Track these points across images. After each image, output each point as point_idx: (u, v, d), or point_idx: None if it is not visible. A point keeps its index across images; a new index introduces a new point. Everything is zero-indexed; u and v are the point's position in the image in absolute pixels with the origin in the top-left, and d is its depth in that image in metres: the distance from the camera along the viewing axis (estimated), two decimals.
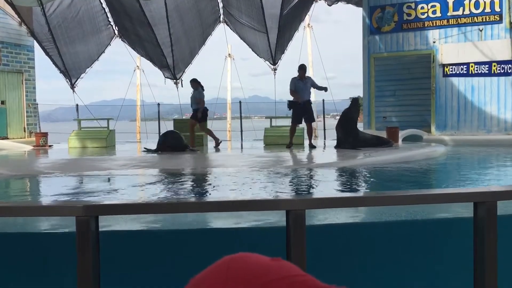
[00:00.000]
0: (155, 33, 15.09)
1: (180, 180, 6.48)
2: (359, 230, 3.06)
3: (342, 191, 5.23)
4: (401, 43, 14.47)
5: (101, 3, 15.05)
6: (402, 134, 12.44)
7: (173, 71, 17.12)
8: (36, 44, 16.73)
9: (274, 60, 16.50)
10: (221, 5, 15.66)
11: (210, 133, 12.11)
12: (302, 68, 10.89)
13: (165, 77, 17.49)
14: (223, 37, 17.24)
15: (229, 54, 19.43)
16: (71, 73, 16.29)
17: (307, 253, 2.31)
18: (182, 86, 17.85)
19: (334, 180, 6.47)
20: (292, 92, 10.74)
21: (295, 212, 2.32)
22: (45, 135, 13.63)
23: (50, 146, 13.35)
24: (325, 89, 11.28)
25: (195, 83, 11.78)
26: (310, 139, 11.11)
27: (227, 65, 19.25)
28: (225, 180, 6.48)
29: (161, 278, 3.01)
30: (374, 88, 15.14)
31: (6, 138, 17.16)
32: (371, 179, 6.90)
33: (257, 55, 16.76)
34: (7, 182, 7.02)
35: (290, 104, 10.79)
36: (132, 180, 7.16)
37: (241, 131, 18.05)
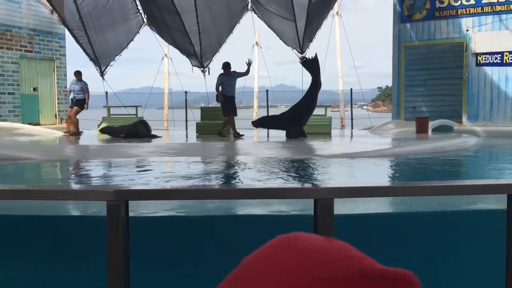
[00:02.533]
0: (183, 21, 15.12)
1: (209, 167, 6.53)
2: (388, 221, 3.03)
3: (371, 181, 5.17)
4: (432, 31, 14.14)
5: None
6: (432, 124, 12.22)
7: (200, 60, 17.16)
8: (67, 32, 17.01)
9: (302, 48, 16.34)
10: None
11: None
12: (228, 66, 11.61)
13: (193, 65, 17.55)
14: (249, 25, 17.17)
15: (256, 43, 19.37)
16: (100, 60, 16.51)
17: None
18: (209, 74, 17.90)
19: (362, 170, 6.40)
20: (217, 89, 11.46)
21: (323, 201, 2.30)
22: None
23: (81, 132, 13.62)
24: (248, 67, 11.77)
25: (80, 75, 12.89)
26: (233, 128, 11.64)
27: (254, 53, 19.21)
28: (252, 168, 6.50)
29: (190, 264, 3.05)
30: (403, 77, 14.87)
31: (38, 124, 17.60)
32: (400, 169, 6.81)
33: (285, 43, 16.62)
34: (40, 166, 7.21)
35: (225, 99, 11.43)
36: (160, 167, 7.25)
37: None
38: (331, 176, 5.74)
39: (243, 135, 11.46)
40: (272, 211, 3.29)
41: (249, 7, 16.15)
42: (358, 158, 7.21)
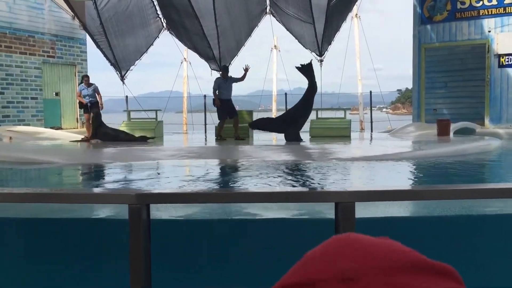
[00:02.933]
0: (202, 25, 15.23)
1: (228, 171, 6.55)
2: (410, 225, 2.99)
3: (392, 184, 5.11)
4: (454, 33, 13.95)
5: None
6: (453, 127, 12.04)
7: (219, 63, 17.23)
8: (88, 37, 17.28)
9: (320, 51, 16.30)
10: None
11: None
12: (225, 70, 12.05)
13: (211, 69, 17.64)
14: (268, 28, 17.19)
15: (275, 46, 19.37)
16: (121, 65, 16.72)
17: None
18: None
19: (383, 173, 6.34)
20: (215, 93, 11.72)
21: (344, 204, 2.29)
22: None
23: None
24: (245, 73, 11.94)
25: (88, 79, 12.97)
26: (236, 131, 11.85)
27: (272, 56, 19.21)
28: (271, 171, 6.49)
29: (211, 267, 3.06)
30: (424, 79, 14.70)
31: (60, 128, 17.89)
32: (422, 173, 6.72)
33: (303, 46, 16.60)
34: (62, 170, 7.31)
35: (217, 102, 11.73)
36: (180, 170, 7.30)
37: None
38: (352, 179, 5.69)
39: (243, 139, 11.77)
40: (291, 214, 3.28)
41: (267, 10, 16.18)
42: (378, 161, 7.14)
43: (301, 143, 10.57)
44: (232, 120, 11.94)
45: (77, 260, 3.45)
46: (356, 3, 16.09)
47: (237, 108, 12.99)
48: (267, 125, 11.70)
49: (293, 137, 10.79)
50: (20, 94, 17.13)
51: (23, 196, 2.79)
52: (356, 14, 17.21)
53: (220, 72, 12.17)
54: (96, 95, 12.81)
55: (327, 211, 3.12)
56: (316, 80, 11.41)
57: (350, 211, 2.29)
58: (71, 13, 16.82)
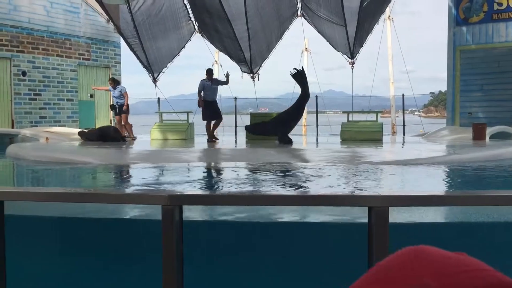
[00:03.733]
0: (233, 28, 15.31)
1: (258, 174, 6.55)
2: (446, 230, 2.92)
3: (426, 189, 5.01)
4: (490, 35, 13.59)
5: (183, 0, 15.51)
6: (490, 131, 11.72)
7: (250, 66, 17.29)
8: (122, 40, 17.61)
9: (352, 53, 16.15)
10: None
11: None
12: (209, 73, 12.32)
13: (242, 72, 17.71)
14: (298, 31, 17.16)
15: (305, 48, 19.31)
16: (153, 67, 16.96)
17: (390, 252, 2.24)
18: (258, 80, 18.02)
19: (417, 178, 6.22)
20: (199, 94, 12.02)
21: (377, 209, 2.25)
22: (130, 126, 14.32)
23: (134, 137, 14.02)
24: (227, 78, 12.33)
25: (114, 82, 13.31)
26: (213, 131, 12.30)
27: (303, 59, 19.14)
28: (303, 174, 6.46)
29: (242, 268, 3.06)
30: (459, 82, 14.36)
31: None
32: (458, 178, 6.56)
33: (335, 49, 16.48)
34: (96, 170, 7.46)
35: (205, 104, 12.00)
36: (211, 172, 7.34)
37: (317, 125, 17.91)
38: (385, 183, 5.61)
39: (218, 140, 12.16)
40: (323, 218, 3.26)
41: (298, 13, 16.15)
42: (412, 165, 7.01)
43: (334, 147, 10.50)
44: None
45: (110, 259, 3.52)
46: (389, 5, 15.89)
47: (266, 110, 13.02)
48: (261, 128, 11.95)
49: (285, 140, 11.12)
50: (57, 96, 17.61)
51: (59, 196, 2.86)
52: (389, 16, 16.98)
53: (206, 74, 12.33)
54: (124, 97, 13.05)
55: (359, 215, 3.09)
56: (308, 87, 11.79)
57: (384, 216, 2.25)
58: (106, 16, 17.19)
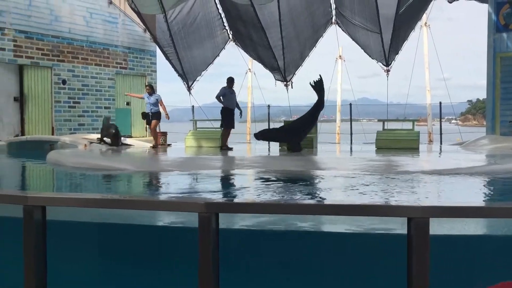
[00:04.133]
0: (267, 37, 15.38)
1: (293, 182, 6.51)
2: (489, 243, 2.82)
3: (468, 200, 4.86)
4: None
5: (218, 9, 15.69)
6: None
7: (283, 74, 17.31)
8: (158, 49, 17.96)
9: (387, 61, 15.95)
10: (333, 6, 15.50)
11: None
12: (231, 81, 12.36)
13: (276, 80, 17.75)
14: (332, 38, 17.06)
15: (339, 56, 19.18)
16: (188, 76, 17.21)
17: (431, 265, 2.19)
18: (292, 88, 18.01)
19: (457, 188, 6.03)
20: (218, 98, 12.09)
21: (417, 220, 2.20)
22: (165, 134, 14.55)
23: (169, 144, 14.22)
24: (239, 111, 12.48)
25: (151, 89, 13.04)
26: (224, 141, 12.40)
27: (337, 67, 19.01)
28: (337, 183, 6.39)
29: (277, 277, 3.04)
30: (499, 89, 13.94)
31: (130, 136, 18.65)
32: (500, 189, 6.33)
33: (370, 56, 16.32)
34: (133, 177, 7.59)
35: (225, 111, 12.12)
36: (245, 180, 7.35)
37: (351, 134, 17.72)
38: (423, 194, 5.48)
39: (232, 148, 12.13)
40: (359, 229, 3.20)
41: (333, 20, 16.07)
42: (451, 175, 6.83)
43: (367, 156, 10.36)
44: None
45: (146, 266, 3.56)
46: (426, 11, 15.63)
47: (295, 117, 13.05)
48: (272, 135, 11.96)
49: (297, 148, 11.13)
50: (95, 103, 18.07)
51: (97, 202, 2.91)
52: (426, 23, 16.69)
53: (227, 83, 12.36)
54: (159, 105, 13.03)
55: (396, 226, 3.03)
56: (324, 96, 11.81)
57: (424, 228, 2.20)
58: (143, 26, 17.57)
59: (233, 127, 12.45)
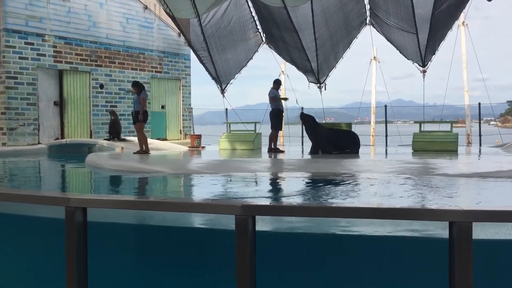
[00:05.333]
0: (300, 38, 15.32)
1: (329, 184, 6.45)
2: None
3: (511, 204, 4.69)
4: None
5: (251, 12, 15.74)
6: None
7: (317, 75, 17.21)
8: (192, 53, 18.17)
9: (424, 61, 15.64)
10: (367, 7, 15.31)
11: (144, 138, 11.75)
12: (277, 82, 12.32)
13: (309, 82, 17.66)
14: (365, 39, 16.86)
15: (374, 57, 18.93)
16: (221, 79, 17.32)
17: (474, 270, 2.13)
18: (325, 90, 17.89)
19: (500, 191, 5.83)
20: (278, 98, 12.04)
21: (460, 224, 2.15)
22: (199, 137, 14.70)
23: (203, 147, 14.36)
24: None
25: (137, 87, 11.72)
26: (275, 144, 12.27)
27: (371, 68, 18.77)
28: (374, 186, 6.29)
29: (313, 280, 3.02)
30: None
31: (165, 139, 18.93)
32: None
33: (405, 57, 16.03)
34: (168, 179, 7.69)
35: (278, 113, 12.03)
36: (280, 182, 7.34)
37: (386, 136, 17.46)
38: (464, 197, 5.32)
39: (283, 151, 12.09)
40: (399, 232, 3.14)
41: (367, 21, 15.88)
42: (493, 178, 6.61)
43: (403, 158, 10.17)
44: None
45: (183, 267, 3.59)
46: (463, 11, 15.24)
47: (332, 120, 12.94)
48: (309, 125, 11.93)
49: (314, 151, 11.33)
50: (131, 107, 18.39)
51: (135, 204, 2.96)
52: (463, 22, 16.28)
53: (273, 84, 12.30)
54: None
55: (437, 230, 2.95)
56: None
57: (467, 232, 2.14)
58: (177, 30, 17.82)
59: (281, 129, 12.51)
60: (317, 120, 12.40)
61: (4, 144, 15.45)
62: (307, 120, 12.01)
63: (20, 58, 15.75)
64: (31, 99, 16.02)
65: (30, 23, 15.92)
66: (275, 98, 12.02)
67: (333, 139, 11.52)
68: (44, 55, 16.32)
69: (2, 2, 15.40)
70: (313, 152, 11.43)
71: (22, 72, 15.81)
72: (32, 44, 16.02)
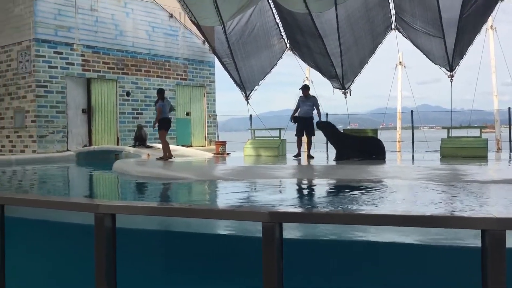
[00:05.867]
0: (325, 44, 15.27)
1: (356, 191, 6.39)
2: None
3: None
4: None
5: (275, 18, 15.78)
6: None
7: (341, 81, 17.10)
8: (216, 60, 18.30)
9: (451, 66, 15.38)
10: (393, 11, 15.17)
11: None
12: (306, 88, 12.42)
13: (334, 87, 17.56)
14: (389, 44, 16.69)
15: (399, 62, 18.72)
16: (246, 85, 17.37)
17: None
18: (350, 95, 17.76)
19: None
20: (296, 109, 12.23)
21: (492, 232, 2.09)
22: (224, 143, 14.75)
23: (228, 153, 14.41)
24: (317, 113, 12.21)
25: (159, 94, 11.97)
26: (308, 150, 12.34)
27: (396, 73, 18.56)
28: (402, 192, 6.20)
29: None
30: None
31: (190, 146, 19.07)
32: None
33: (432, 61, 15.79)
34: (194, 186, 7.74)
35: (294, 119, 12.26)
36: (306, 189, 7.30)
37: (413, 141, 17.23)
38: (496, 204, 5.19)
39: (313, 157, 12.04)
40: (425, 240, 3.08)
41: (393, 26, 15.72)
42: None
43: (431, 164, 10.01)
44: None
45: (209, 273, 3.60)
46: (491, 14, 14.95)
47: (356, 126, 12.83)
48: (329, 131, 11.91)
49: (343, 157, 11.29)
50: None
51: (162, 210, 2.98)
52: (492, 26, 15.97)
53: (301, 90, 12.36)
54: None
55: (468, 238, 2.89)
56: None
57: (500, 240, 2.09)
58: (202, 38, 17.98)
59: (302, 135, 12.40)
60: (341, 126, 12.32)
61: (34, 151, 15.82)
62: (324, 127, 11.96)
63: (49, 67, 16.13)
64: (60, 107, 16.37)
65: (59, 32, 16.30)
66: (295, 109, 12.26)
67: (358, 146, 11.42)
68: (72, 64, 16.68)
69: (32, 13, 15.83)
70: (338, 158, 11.36)
71: (51, 80, 16.18)
72: (61, 53, 16.39)
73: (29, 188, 8.27)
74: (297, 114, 12.36)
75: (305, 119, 12.16)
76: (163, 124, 11.85)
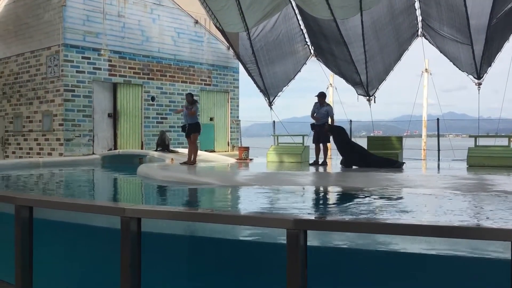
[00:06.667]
0: (349, 51, 15.17)
1: (381, 199, 6.31)
2: None
3: None
4: None
5: (300, 25, 15.77)
6: None
7: (366, 88, 16.95)
8: (240, 66, 18.38)
9: (479, 73, 15.10)
10: (419, 18, 14.99)
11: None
12: (320, 96, 12.38)
13: (358, 94, 17.42)
14: (415, 51, 16.46)
15: (425, 69, 18.47)
16: (269, 91, 17.37)
17: None
18: (374, 103, 17.59)
19: None
20: (312, 115, 12.34)
21: None
22: (247, 149, 14.77)
23: (251, 159, 14.42)
24: (330, 122, 12.22)
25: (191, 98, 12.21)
26: (324, 157, 12.41)
27: (422, 80, 18.30)
28: (428, 202, 6.09)
29: None
30: None
31: (213, 151, 19.15)
32: None
33: (459, 69, 15.53)
34: (218, 191, 7.76)
35: (312, 126, 12.40)
36: (331, 196, 7.25)
37: (438, 150, 16.95)
38: None
39: (327, 164, 12.08)
40: (451, 251, 3.02)
41: (419, 33, 15.54)
42: None
43: (457, 173, 9.82)
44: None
45: (233, 279, 3.59)
46: None
47: (380, 133, 12.68)
48: (339, 138, 11.82)
49: (349, 164, 11.35)
50: (180, 119, 18.75)
51: (187, 215, 3.00)
52: None
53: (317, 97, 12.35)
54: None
55: (490, 249, 2.81)
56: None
57: None
58: (227, 44, 18.10)
59: (318, 142, 12.36)
60: (365, 133, 12.21)
61: (61, 154, 16.13)
62: (334, 131, 11.91)
63: (77, 72, 16.45)
64: (86, 111, 16.66)
65: (87, 38, 16.63)
66: (311, 114, 12.35)
67: (367, 160, 11.29)
68: (99, 68, 16.98)
69: (62, 19, 16.18)
70: (344, 165, 11.37)
71: (79, 85, 16.50)
72: (89, 58, 16.70)
73: (55, 191, 8.42)
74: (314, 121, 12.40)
75: (320, 126, 12.16)
76: (197, 127, 12.09)
